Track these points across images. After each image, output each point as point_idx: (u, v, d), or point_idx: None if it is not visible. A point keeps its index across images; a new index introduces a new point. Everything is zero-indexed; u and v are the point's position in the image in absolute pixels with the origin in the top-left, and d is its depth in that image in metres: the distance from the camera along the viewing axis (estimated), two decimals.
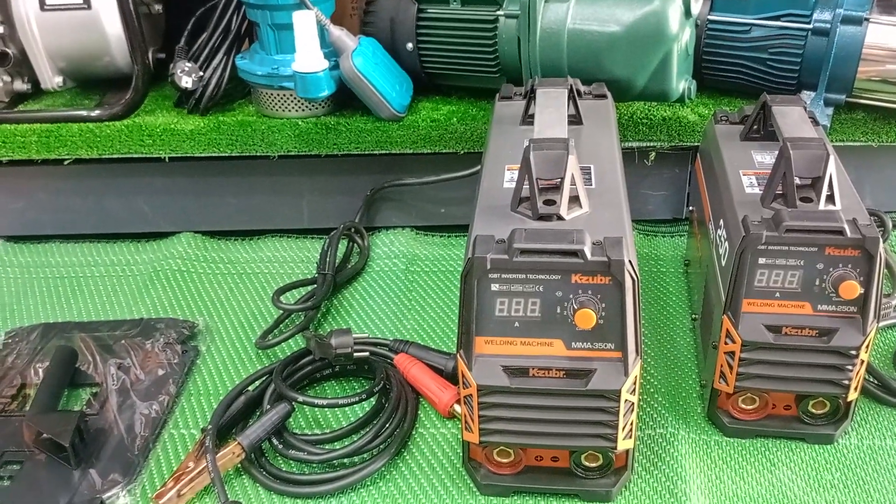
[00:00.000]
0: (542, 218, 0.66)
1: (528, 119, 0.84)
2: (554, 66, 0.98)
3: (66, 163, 1.07)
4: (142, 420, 0.80)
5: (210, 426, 0.75)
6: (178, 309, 0.99)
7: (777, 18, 0.99)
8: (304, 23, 0.96)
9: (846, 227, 0.67)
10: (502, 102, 0.90)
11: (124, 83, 1.07)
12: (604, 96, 0.90)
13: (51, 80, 1.09)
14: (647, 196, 1.10)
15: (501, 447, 0.70)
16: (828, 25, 0.96)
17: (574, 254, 0.62)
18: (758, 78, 1.02)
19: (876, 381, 0.82)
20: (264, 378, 0.84)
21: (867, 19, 0.95)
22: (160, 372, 0.86)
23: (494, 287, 0.63)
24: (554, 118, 0.75)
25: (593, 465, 0.71)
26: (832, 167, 0.70)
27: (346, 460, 0.75)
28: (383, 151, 1.05)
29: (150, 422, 0.80)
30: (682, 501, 0.71)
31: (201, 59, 1.06)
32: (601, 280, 0.62)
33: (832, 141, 1.01)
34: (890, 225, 1.02)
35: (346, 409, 0.82)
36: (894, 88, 0.97)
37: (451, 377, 0.83)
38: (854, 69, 0.96)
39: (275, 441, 0.76)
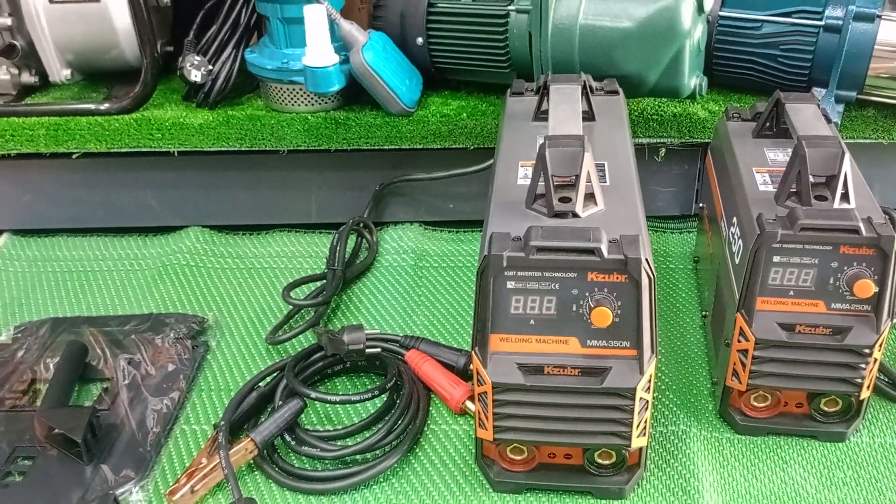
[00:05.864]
0: (557, 215, 0.66)
1: (540, 115, 0.84)
2: (565, 61, 0.97)
3: (74, 156, 1.07)
4: (153, 415, 0.80)
5: (223, 422, 0.75)
6: (188, 304, 0.99)
7: (788, 15, 0.99)
8: (315, 16, 0.96)
9: (861, 225, 0.67)
10: (513, 98, 0.90)
11: (133, 76, 1.07)
12: (616, 92, 0.90)
13: (59, 72, 1.09)
14: (656, 192, 1.10)
15: (515, 444, 0.70)
16: (840, 22, 0.95)
17: (591, 252, 0.61)
18: (768, 75, 1.02)
19: (887, 380, 0.82)
20: (275, 374, 0.84)
21: (879, 16, 0.94)
22: (171, 367, 0.86)
23: (510, 284, 0.63)
24: (569, 115, 0.75)
25: (606, 462, 0.71)
26: (847, 165, 0.70)
27: (358, 457, 0.75)
28: (392, 146, 1.05)
29: (161, 417, 0.80)
30: (695, 499, 0.71)
31: (210, 52, 1.06)
32: (617, 278, 0.62)
33: (842, 138, 1.00)
34: None
35: (358, 405, 0.82)
36: None
37: (463, 373, 0.83)
38: (866, 66, 0.96)
39: (287, 437, 0.76)
